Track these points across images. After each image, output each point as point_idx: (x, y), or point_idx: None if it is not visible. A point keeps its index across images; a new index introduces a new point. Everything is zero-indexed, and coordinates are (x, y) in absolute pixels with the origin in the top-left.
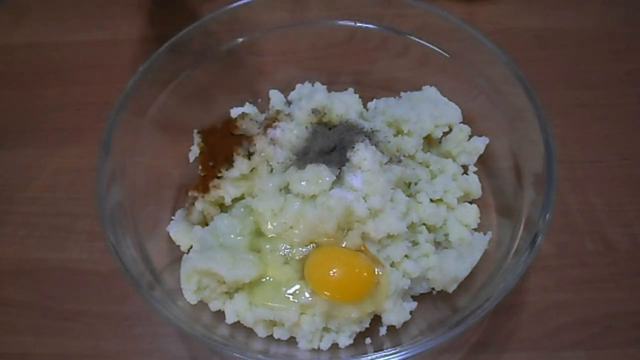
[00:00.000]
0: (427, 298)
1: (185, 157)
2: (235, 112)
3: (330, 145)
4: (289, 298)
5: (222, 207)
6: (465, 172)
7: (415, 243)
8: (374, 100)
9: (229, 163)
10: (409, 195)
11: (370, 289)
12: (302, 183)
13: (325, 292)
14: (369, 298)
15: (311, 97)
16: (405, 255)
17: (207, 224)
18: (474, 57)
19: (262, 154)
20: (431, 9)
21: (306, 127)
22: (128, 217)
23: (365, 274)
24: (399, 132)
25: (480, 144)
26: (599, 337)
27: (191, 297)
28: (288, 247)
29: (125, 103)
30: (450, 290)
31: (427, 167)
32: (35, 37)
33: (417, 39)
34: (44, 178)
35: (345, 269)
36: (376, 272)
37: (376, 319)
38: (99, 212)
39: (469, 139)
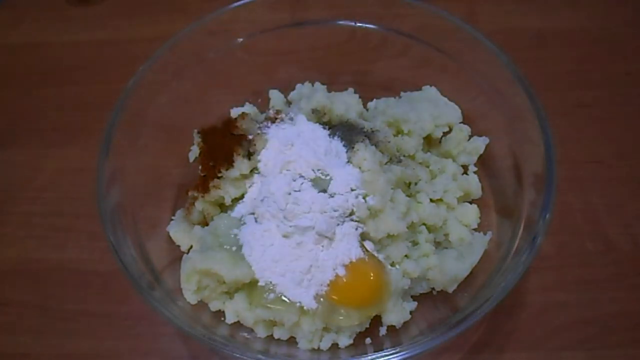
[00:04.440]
0: (427, 298)
1: (185, 157)
2: (235, 112)
3: None
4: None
5: (222, 207)
6: (465, 172)
7: (415, 243)
8: (374, 100)
9: (229, 163)
10: (409, 195)
11: (379, 296)
12: None
13: (333, 297)
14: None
15: (311, 97)
16: (405, 255)
17: (207, 224)
18: (474, 57)
19: None
20: (431, 9)
21: None
22: (128, 217)
23: (375, 279)
24: (399, 132)
25: (480, 144)
26: (599, 337)
27: (191, 297)
28: None
29: (125, 103)
30: (450, 290)
31: (427, 167)
32: (35, 37)
33: (417, 39)
34: (44, 178)
35: (356, 274)
36: (384, 277)
37: (376, 319)
38: (99, 212)
39: (469, 139)
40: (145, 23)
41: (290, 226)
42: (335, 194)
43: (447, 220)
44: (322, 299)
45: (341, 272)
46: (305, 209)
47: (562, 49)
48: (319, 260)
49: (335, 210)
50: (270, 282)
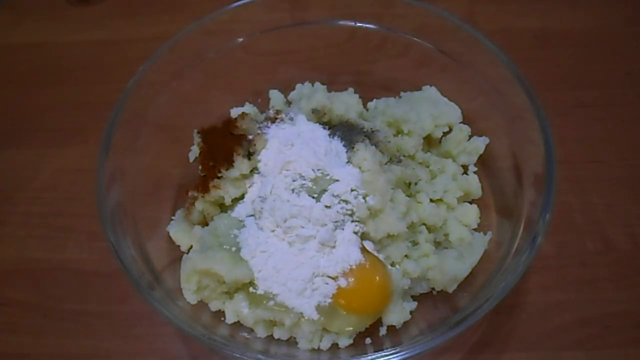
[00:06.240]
0: (427, 298)
1: (185, 157)
2: (235, 112)
3: None
4: None
5: (222, 207)
6: (465, 172)
7: (415, 243)
8: (374, 100)
9: (229, 163)
10: (409, 195)
11: (385, 301)
12: None
13: (341, 301)
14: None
15: (311, 97)
16: (405, 255)
17: (207, 224)
18: (474, 57)
19: None
20: (431, 9)
21: None
22: (128, 217)
23: (381, 285)
24: (399, 132)
25: (480, 144)
26: (599, 337)
27: (191, 297)
28: None
29: (125, 103)
30: (450, 290)
31: (427, 167)
32: (35, 37)
33: (417, 39)
34: (44, 178)
35: (361, 282)
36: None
37: (376, 319)
38: (99, 212)
39: (469, 139)
40: (145, 23)
41: (291, 236)
42: (333, 204)
43: (447, 220)
44: (324, 309)
45: (345, 281)
46: (304, 222)
47: (562, 49)
48: (320, 267)
49: (335, 222)
50: (271, 292)
